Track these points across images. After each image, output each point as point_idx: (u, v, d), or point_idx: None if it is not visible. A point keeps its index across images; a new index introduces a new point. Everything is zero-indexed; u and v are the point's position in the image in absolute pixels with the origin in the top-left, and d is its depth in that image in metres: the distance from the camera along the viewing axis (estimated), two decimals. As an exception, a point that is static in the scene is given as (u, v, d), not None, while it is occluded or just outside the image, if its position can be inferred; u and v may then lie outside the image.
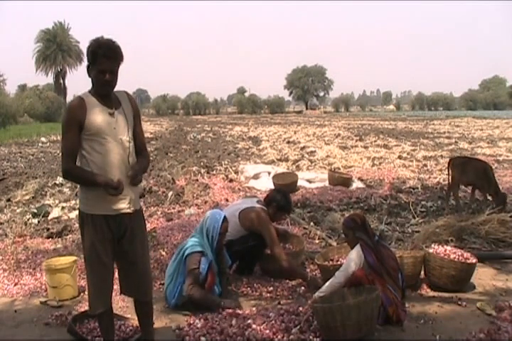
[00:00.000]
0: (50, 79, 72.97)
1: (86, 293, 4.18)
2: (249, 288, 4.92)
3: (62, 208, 8.76)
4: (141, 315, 3.60)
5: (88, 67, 3.18)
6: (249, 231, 5.15)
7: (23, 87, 72.56)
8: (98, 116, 3.13)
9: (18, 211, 8.69)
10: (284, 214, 5.55)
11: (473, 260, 4.77)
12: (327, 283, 4.23)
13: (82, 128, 3.11)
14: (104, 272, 3.28)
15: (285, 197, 5.43)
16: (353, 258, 4.20)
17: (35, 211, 8.41)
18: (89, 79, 3.20)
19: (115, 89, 3.31)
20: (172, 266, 4.63)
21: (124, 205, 3.23)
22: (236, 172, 12.49)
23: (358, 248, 4.24)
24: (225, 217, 4.74)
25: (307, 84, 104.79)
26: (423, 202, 8.64)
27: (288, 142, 22.50)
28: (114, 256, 3.35)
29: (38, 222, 7.93)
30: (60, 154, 3.22)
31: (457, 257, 4.76)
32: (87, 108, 3.12)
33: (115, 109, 3.22)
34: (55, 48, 68.46)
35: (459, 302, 4.39)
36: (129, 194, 3.24)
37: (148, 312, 3.60)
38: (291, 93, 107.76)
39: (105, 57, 3.07)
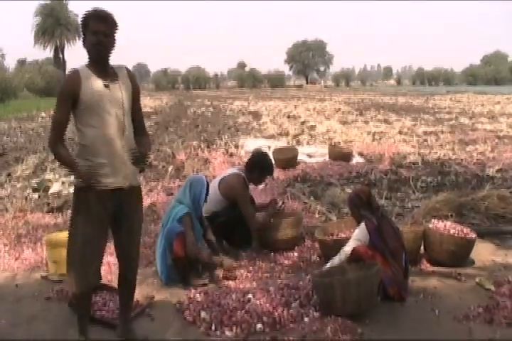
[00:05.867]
0: (48, 53, 72.36)
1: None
2: (248, 262, 4.93)
3: (63, 183, 8.73)
4: (121, 291, 3.52)
5: (84, 39, 3.08)
6: (229, 200, 5.18)
7: (22, 62, 72.01)
8: (93, 88, 3.02)
9: (18, 186, 8.67)
10: (267, 176, 5.62)
11: (473, 235, 4.79)
12: (333, 261, 4.25)
13: (76, 101, 3.01)
14: (88, 251, 3.12)
15: (265, 159, 5.53)
16: (357, 238, 4.18)
17: (36, 186, 8.39)
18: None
19: (115, 64, 3.21)
20: (160, 246, 4.57)
21: (116, 180, 3.12)
22: (236, 147, 12.49)
23: (362, 226, 4.19)
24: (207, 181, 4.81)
25: (307, 59, 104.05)
26: (423, 177, 8.62)
27: (288, 117, 22.35)
28: (106, 236, 3.24)
29: (39, 196, 7.92)
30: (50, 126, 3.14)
31: (457, 232, 4.78)
32: (82, 80, 3.01)
33: (111, 82, 3.11)
34: (53, 22, 67.57)
35: (459, 278, 4.41)
36: (123, 169, 3.13)
37: (128, 290, 3.50)
38: (291, 67, 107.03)
39: (97, 19, 3.03)
